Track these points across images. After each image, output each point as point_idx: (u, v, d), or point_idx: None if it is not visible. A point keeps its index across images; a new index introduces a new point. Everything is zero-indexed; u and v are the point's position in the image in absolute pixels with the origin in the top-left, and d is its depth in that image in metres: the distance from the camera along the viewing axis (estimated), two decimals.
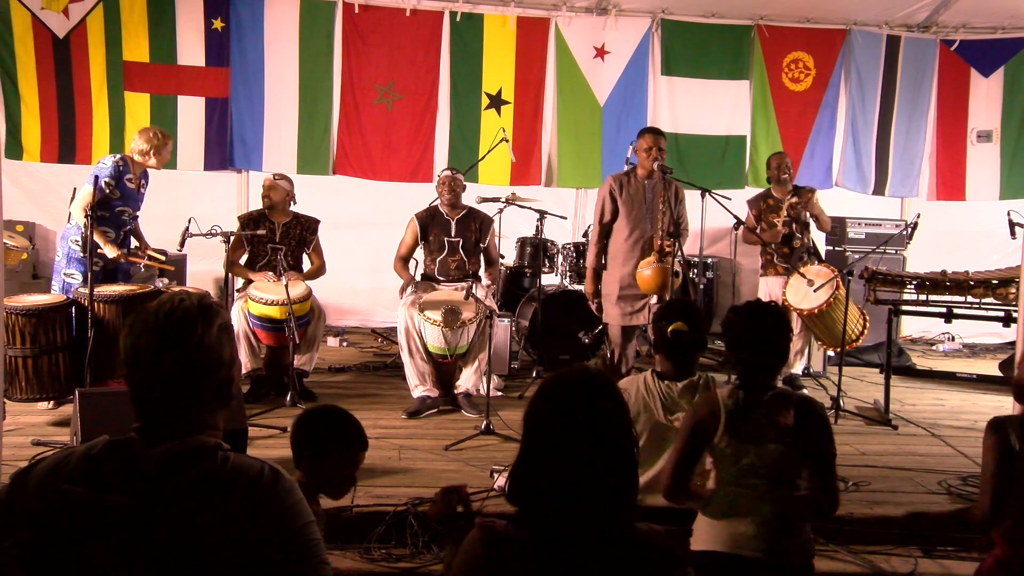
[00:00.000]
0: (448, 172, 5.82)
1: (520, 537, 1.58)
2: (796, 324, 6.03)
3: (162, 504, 1.38)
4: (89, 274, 4.58)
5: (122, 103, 6.95)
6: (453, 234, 5.68)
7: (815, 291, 5.63)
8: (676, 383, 3.26)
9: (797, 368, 6.15)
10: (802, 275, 5.72)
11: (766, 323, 2.55)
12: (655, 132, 5.44)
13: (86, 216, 4.73)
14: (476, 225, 5.73)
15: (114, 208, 5.12)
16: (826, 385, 6.11)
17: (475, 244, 5.73)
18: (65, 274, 5.13)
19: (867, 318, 5.84)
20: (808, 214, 6.20)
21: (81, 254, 4.96)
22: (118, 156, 5.23)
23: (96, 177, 4.89)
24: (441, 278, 5.68)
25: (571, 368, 1.71)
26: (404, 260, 5.76)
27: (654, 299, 5.28)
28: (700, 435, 2.53)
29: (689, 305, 3.35)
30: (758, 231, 6.15)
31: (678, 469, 2.57)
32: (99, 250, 4.96)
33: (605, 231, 5.37)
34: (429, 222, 5.71)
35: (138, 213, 5.36)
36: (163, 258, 5.51)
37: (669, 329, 3.13)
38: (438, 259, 5.69)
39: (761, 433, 2.46)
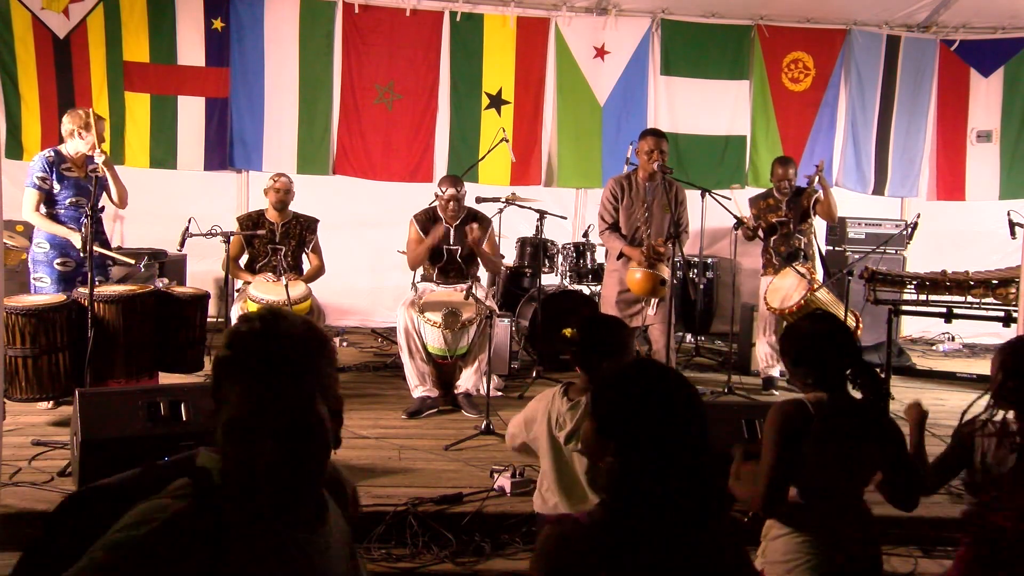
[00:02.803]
0: (451, 191, 5.52)
1: (602, 531, 1.56)
2: (773, 325, 6.03)
3: None
4: (89, 274, 4.56)
5: (122, 103, 6.95)
6: (451, 242, 5.66)
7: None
8: (571, 399, 2.95)
9: (775, 371, 6.13)
10: (795, 268, 5.69)
11: (838, 329, 2.50)
12: (656, 134, 5.43)
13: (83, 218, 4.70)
14: None
15: (64, 201, 4.97)
16: None
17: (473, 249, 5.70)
18: (34, 278, 5.03)
19: (860, 320, 5.83)
20: (813, 202, 6.10)
21: (77, 247, 4.91)
22: (48, 150, 5.07)
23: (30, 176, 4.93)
24: (439, 281, 5.67)
25: (635, 362, 1.71)
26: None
27: (654, 301, 5.29)
28: (791, 437, 2.32)
29: (600, 321, 3.11)
30: (754, 227, 6.12)
31: (774, 479, 2.32)
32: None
33: (614, 228, 5.39)
34: (429, 227, 5.65)
35: (102, 203, 5.15)
36: (117, 256, 5.12)
37: (561, 331, 2.98)
38: (437, 266, 5.67)
39: (850, 437, 2.35)
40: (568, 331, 2.93)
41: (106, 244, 5.23)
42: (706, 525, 1.58)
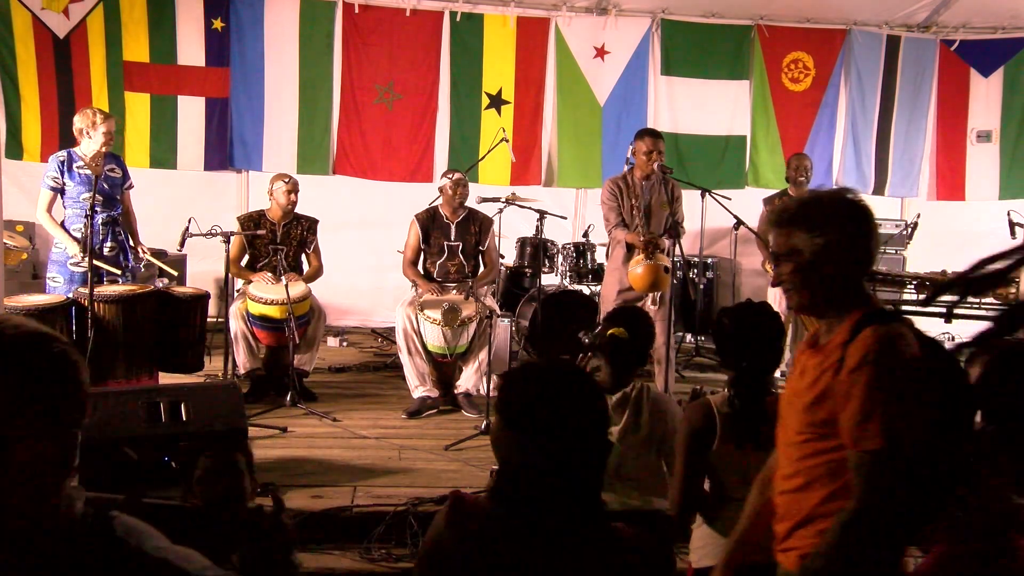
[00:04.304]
0: (459, 175, 5.74)
1: (492, 510, 1.60)
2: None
3: None
4: (89, 274, 4.58)
5: (122, 103, 6.94)
6: (453, 238, 5.67)
7: None
8: (610, 396, 2.91)
9: (776, 371, 6.14)
10: None
11: (761, 325, 2.47)
12: (653, 135, 5.44)
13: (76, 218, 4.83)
14: (476, 228, 5.72)
15: (78, 198, 5.02)
16: None
17: (475, 247, 5.73)
18: (48, 277, 5.10)
19: None
20: None
21: (70, 255, 4.96)
22: (62, 152, 5.14)
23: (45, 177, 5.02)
24: (439, 279, 5.69)
25: (547, 362, 1.73)
26: (414, 264, 5.74)
27: (650, 298, 5.29)
28: (698, 444, 2.43)
29: (640, 315, 3.12)
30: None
31: (687, 485, 2.45)
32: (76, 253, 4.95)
33: (622, 223, 5.40)
34: (430, 224, 5.69)
35: (118, 200, 5.22)
36: (103, 266, 5.00)
37: (608, 332, 2.93)
38: (437, 262, 5.69)
39: (763, 438, 2.34)
40: (617, 330, 2.90)
41: (122, 246, 5.24)
42: (586, 522, 1.59)
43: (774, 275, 1.97)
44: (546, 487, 1.58)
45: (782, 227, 1.92)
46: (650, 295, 5.26)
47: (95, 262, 4.84)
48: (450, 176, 5.72)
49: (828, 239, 1.85)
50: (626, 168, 5.84)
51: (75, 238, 4.99)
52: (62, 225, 5.05)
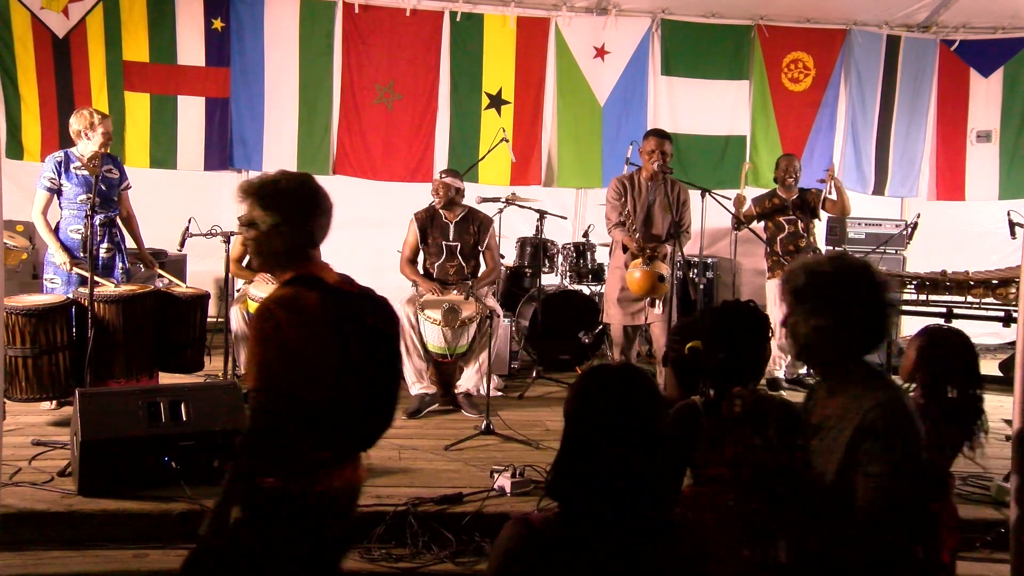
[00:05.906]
0: (438, 178, 5.73)
1: (558, 531, 1.60)
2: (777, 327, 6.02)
3: None
4: (90, 274, 4.57)
5: (122, 103, 6.94)
6: (451, 238, 5.67)
7: None
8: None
9: (780, 372, 6.15)
10: None
11: (744, 324, 2.43)
12: (659, 135, 5.44)
13: (68, 218, 4.84)
14: (475, 228, 5.71)
15: (75, 199, 5.00)
16: None
17: (473, 247, 5.72)
18: (46, 279, 5.08)
19: None
20: (822, 201, 6.22)
21: (57, 263, 4.96)
22: (59, 152, 5.11)
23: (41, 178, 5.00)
24: (439, 281, 5.68)
25: (610, 364, 1.74)
26: (411, 262, 5.75)
27: (658, 300, 5.30)
28: (681, 442, 2.35)
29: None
30: (760, 228, 6.21)
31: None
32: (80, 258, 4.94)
33: (622, 224, 5.40)
34: (428, 225, 5.69)
35: (115, 200, 5.18)
36: (99, 279, 4.77)
37: (687, 346, 2.92)
38: (436, 263, 5.68)
39: (739, 440, 2.32)
40: (697, 344, 2.85)
41: (119, 248, 5.23)
42: (656, 526, 1.62)
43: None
44: (618, 500, 1.59)
45: (244, 200, 2.45)
46: (650, 296, 5.27)
47: (84, 274, 4.79)
48: (437, 176, 5.77)
49: (276, 218, 2.43)
50: (626, 168, 5.85)
51: (65, 245, 4.97)
52: (56, 228, 5.03)
